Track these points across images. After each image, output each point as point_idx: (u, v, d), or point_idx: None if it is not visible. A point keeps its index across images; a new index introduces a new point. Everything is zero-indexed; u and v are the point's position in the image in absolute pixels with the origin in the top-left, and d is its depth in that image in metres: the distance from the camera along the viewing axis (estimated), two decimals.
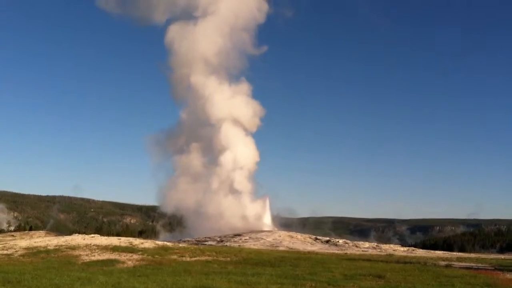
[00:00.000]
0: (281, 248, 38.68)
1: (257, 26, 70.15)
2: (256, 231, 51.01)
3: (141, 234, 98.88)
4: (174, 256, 26.94)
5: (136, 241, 33.40)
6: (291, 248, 38.98)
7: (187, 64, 67.88)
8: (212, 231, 54.40)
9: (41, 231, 69.28)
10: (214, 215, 62.27)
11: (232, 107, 65.68)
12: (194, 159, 67.85)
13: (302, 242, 44.63)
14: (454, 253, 50.24)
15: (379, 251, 40.27)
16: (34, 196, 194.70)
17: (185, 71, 67.90)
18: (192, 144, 67.94)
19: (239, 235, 47.80)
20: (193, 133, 68.93)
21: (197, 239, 47.13)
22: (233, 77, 68.47)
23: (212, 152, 66.87)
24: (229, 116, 65.37)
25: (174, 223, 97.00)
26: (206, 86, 66.48)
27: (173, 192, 67.79)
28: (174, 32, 67.59)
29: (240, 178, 64.01)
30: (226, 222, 60.23)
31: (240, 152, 64.57)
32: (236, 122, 65.76)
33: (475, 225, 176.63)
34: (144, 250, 28.66)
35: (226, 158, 64.28)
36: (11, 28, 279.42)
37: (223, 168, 64.38)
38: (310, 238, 47.64)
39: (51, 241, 33.23)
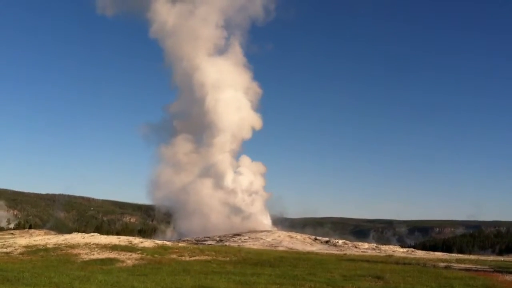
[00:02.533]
0: (280, 248, 38.64)
1: (254, 24, 70.53)
2: (255, 231, 50.95)
3: (140, 233, 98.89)
4: (174, 256, 26.94)
5: (136, 240, 33.41)
6: (291, 248, 38.95)
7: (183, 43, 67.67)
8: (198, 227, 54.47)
9: (40, 230, 69.27)
10: (202, 209, 61.98)
11: (233, 114, 65.44)
12: (182, 148, 67.34)
13: (302, 242, 44.57)
14: (454, 254, 50.22)
15: (379, 252, 40.23)
16: (34, 194, 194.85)
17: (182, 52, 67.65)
18: (183, 135, 67.68)
19: (238, 234, 47.75)
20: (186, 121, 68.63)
21: (197, 239, 47.09)
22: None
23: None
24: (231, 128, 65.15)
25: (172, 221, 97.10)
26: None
27: (161, 184, 67.61)
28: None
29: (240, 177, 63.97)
30: (220, 219, 60.14)
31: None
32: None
33: (474, 226, 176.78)
34: (143, 249, 28.66)
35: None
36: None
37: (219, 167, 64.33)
38: (309, 238, 47.58)
39: (51, 239, 33.25)
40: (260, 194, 64.05)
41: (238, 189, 63.31)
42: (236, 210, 61.42)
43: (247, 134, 67.60)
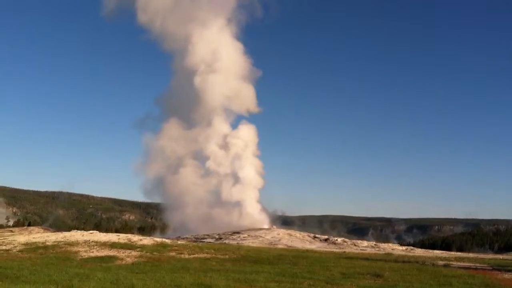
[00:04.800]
0: (279, 246, 38.66)
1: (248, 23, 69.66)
2: (254, 229, 50.92)
3: (140, 230, 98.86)
4: (173, 253, 26.95)
5: (135, 238, 33.43)
6: (290, 246, 38.97)
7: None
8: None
9: (39, 227, 69.14)
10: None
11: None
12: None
13: (301, 240, 44.56)
14: (453, 252, 50.26)
15: (378, 250, 40.25)
16: (33, 191, 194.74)
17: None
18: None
19: (237, 232, 47.73)
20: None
21: (196, 236, 47.07)
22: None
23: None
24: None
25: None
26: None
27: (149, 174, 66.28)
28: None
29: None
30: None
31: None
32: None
33: (473, 224, 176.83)
34: (142, 247, 28.67)
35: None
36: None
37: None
38: (308, 236, 47.58)
39: (50, 237, 33.25)
40: (252, 184, 62.02)
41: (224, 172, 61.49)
42: (221, 200, 60.12)
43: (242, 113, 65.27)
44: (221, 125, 64.06)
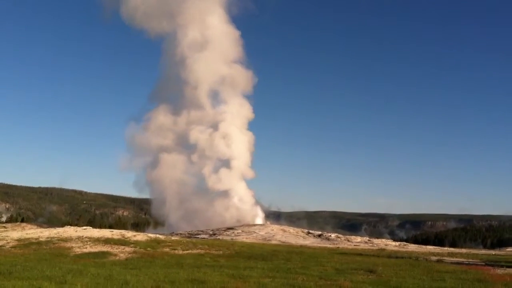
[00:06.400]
0: (273, 242, 38.75)
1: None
2: (248, 225, 51.03)
3: (133, 226, 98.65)
4: (167, 249, 26.93)
5: (129, 234, 33.39)
6: (284, 242, 39.06)
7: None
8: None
9: (33, 223, 68.87)
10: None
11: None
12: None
13: (295, 236, 44.70)
14: (446, 248, 50.59)
15: (371, 246, 40.42)
16: (26, 187, 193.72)
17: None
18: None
19: (231, 228, 47.81)
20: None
21: (190, 232, 47.11)
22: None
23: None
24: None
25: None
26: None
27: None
28: None
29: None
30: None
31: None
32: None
33: (466, 220, 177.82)
34: (136, 243, 28.63)
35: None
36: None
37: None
38: (302, 232, 47.74)
39: (43, 233, 33.15)
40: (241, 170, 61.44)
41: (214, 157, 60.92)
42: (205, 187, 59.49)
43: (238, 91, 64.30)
44: (210, 108, 63.23)
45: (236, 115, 61.85)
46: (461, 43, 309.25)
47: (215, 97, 64.22)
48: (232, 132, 61.06)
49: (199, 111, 63.33)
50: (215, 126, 62.00)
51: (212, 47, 63.45)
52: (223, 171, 60.27)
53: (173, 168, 63.32)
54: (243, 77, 63.79)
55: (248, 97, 64.42)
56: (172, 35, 65.91)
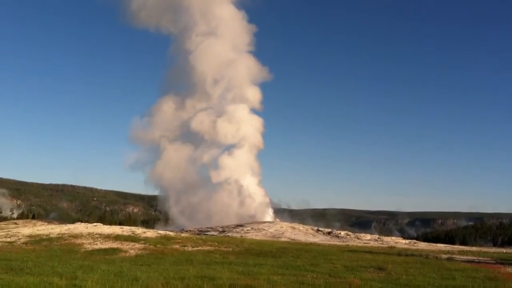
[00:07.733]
0: (283, 239, 38.73)
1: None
2: (258, 222, 51.02)
3: (143, 223, 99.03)
4: (176, 246, 27.00)
5: (139, 230, 33.49)
6: (293, 239, 39.02)
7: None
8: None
9: (43, 220, 69.41)
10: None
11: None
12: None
13: (304, 234, 44.63)
14: (456, 246, 50.23)
15: (381, 243, 40.27)
16: (38, 184, 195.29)
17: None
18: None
19: (241, 225, 47.83)
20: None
21: (199, 229, 47.20)
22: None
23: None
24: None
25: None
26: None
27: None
28: None
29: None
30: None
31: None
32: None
33: (477, 218, 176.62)
34: (146, 240, 28.73)
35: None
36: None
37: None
38: (312, 229, 47.64)
39: (54, 229, 33.34)
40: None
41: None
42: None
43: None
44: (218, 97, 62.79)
45: (244, 101, 61.55)
46: (461, 43, 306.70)
47: (222, 87, 63.80)
48: (239, 114, 60.90)
49: (205, 101, 63.32)
50: (219, 112, 62.35)
51: (221, 35, 63.38)
52: (235, 152, 60.14)
53: (178, 160, 63.36)
54: (253, 67, 63.82)
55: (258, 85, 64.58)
56: (180, 27, 66.09)
